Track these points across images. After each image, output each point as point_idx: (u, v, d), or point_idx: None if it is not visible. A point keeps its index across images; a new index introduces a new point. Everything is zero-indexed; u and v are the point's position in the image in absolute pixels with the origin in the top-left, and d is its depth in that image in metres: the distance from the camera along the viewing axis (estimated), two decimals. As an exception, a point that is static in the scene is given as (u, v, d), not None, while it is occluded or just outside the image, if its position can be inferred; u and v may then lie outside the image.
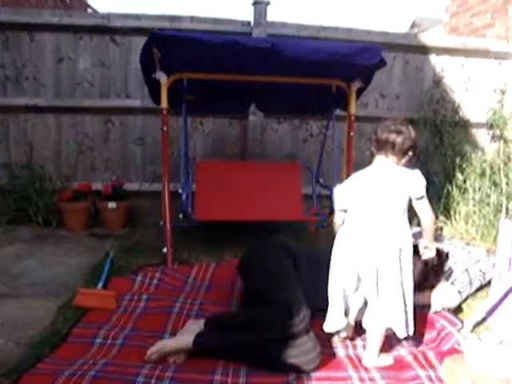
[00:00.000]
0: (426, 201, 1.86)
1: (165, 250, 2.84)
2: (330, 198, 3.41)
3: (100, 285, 2.45)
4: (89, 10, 8.28)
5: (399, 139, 1.85)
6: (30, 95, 3.94)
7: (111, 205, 3.69)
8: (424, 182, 1.84)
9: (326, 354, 1.86)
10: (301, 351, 1.73)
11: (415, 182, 1.83)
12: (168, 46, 2.54)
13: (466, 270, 2.44)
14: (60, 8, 4.47)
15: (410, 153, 1.90)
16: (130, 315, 2.17)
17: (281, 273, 2.03)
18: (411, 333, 1.83)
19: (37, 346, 1.88)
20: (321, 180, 3.75)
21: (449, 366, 1.76)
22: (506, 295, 2.17)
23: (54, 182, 3.83)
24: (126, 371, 1.68)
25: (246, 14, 4.30)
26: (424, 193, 1.84)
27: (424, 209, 1.86)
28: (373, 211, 1.83)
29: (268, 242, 2.44)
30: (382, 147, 1.87)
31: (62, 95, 4.01)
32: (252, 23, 3.99)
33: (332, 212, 3.33)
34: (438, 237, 2.95)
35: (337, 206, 1.97)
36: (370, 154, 1.95)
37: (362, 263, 1.82)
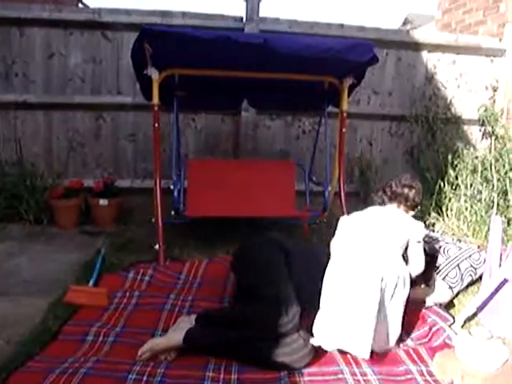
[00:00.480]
0: (421, 246, 2.03)
1: (157, 246, 2.83)
2: (323, 194, 3.41)
3: (91, 282, 2.44)
4: (80, 5, 8.22)
5: (411, 194, 2.13)
6: (19, 91, 3.90)
7: (103, 202, 3.66)
8: (423, 231, 2.05)
9: (318, 350, 1.85)
10: (291, 349, 1.72)
11: (417, 227, 2.03)
12: (159, 41, 2.52)
13: (458, 265, 2.45)
14: (50, 3, 4.41)
15: (419, 207, 2.21)
16: (122, 312, 2.16)
17: (272, 269, 2.03)
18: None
19: (27, 343, 1.86)
20: (314, 178, 3.75)
21: (440, 361, 1.77)
22: (496, 291, 2.19)
23: (44, 179, 3.79)
24: (117, 368, 1.67)
25: (239, 9, 4.28)
26: (421, 239, 2.04)
27: (419, 253, 2.02)
28: (368, 245, 1.94)
29: (261, 237, 2.43)
30: (396, 198, 2.15)
31: (53, 91, 3.97)
32: (244, 19, 3.97)
33: (325, 209, 3.36)
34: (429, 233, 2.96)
35: (338, 232, 2.12)
36: (382, 202, 2.20)
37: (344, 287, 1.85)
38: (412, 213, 2.17)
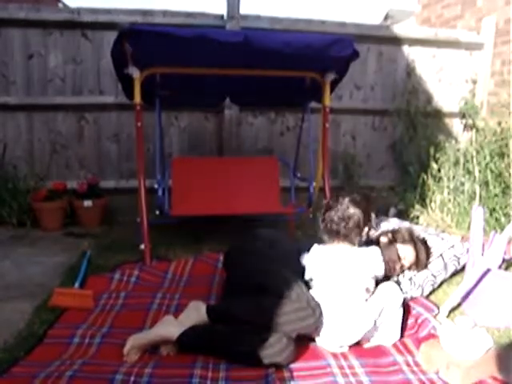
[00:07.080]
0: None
1: (142, 246, 2.81)
2: (307, 190, 3.43)
3: (77, 284, 2.41)
4: (60, 5, 8.11)
5: (345, 230, 1.96)
6: (-1, 93, 3.84)
7: (87, 203, 3.63)
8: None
9: (305, 345, 1.87)
10: (274, 351, 1.70)
11: (375, 261, 1.97)
12: (139, 40, 2.50)
13: (441, 254, 2.48)
14: (29, 3, 4.34)
15: (365, 229, 2.03)
16: (108, 313, 2.14)
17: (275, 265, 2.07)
18: None
19: (12, 349, 1.83)
20: (298, 173, 3.76)
21: (425, 351, 1.80)
22: (479, 280, 2.22)
23: (27, 181, 3.75)
24: (104, 370, 1.65)
25: (220, 7, 4.27)
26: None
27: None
28: (333, 290, 1.93)
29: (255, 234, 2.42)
30: (332, 236, 2.00)
31: (33, 93, 3.92)
32: (225, 16, 3.96)
33: (311, 205, 3.38)
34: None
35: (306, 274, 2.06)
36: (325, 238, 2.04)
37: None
38: (357, 240, 2.01)
